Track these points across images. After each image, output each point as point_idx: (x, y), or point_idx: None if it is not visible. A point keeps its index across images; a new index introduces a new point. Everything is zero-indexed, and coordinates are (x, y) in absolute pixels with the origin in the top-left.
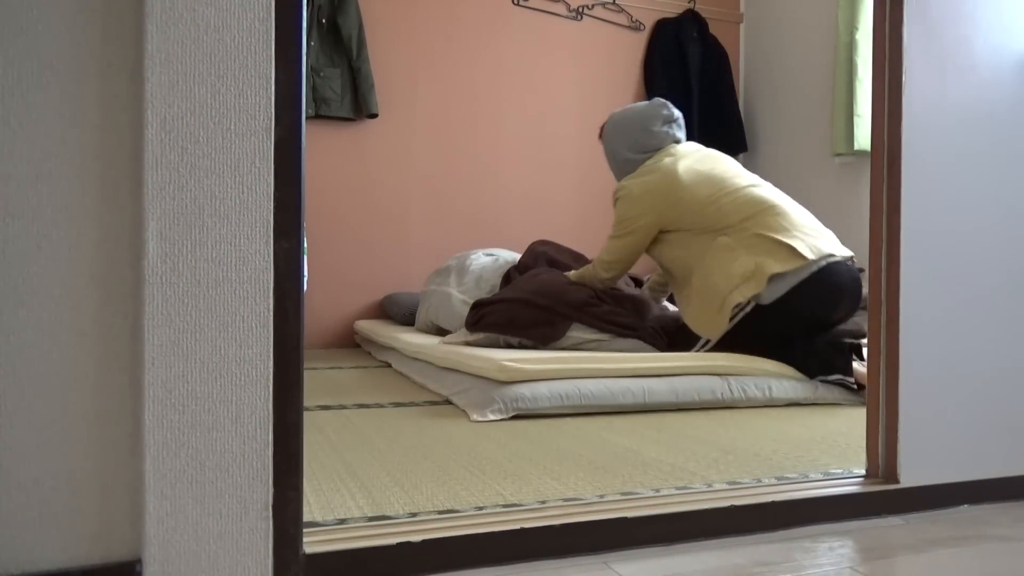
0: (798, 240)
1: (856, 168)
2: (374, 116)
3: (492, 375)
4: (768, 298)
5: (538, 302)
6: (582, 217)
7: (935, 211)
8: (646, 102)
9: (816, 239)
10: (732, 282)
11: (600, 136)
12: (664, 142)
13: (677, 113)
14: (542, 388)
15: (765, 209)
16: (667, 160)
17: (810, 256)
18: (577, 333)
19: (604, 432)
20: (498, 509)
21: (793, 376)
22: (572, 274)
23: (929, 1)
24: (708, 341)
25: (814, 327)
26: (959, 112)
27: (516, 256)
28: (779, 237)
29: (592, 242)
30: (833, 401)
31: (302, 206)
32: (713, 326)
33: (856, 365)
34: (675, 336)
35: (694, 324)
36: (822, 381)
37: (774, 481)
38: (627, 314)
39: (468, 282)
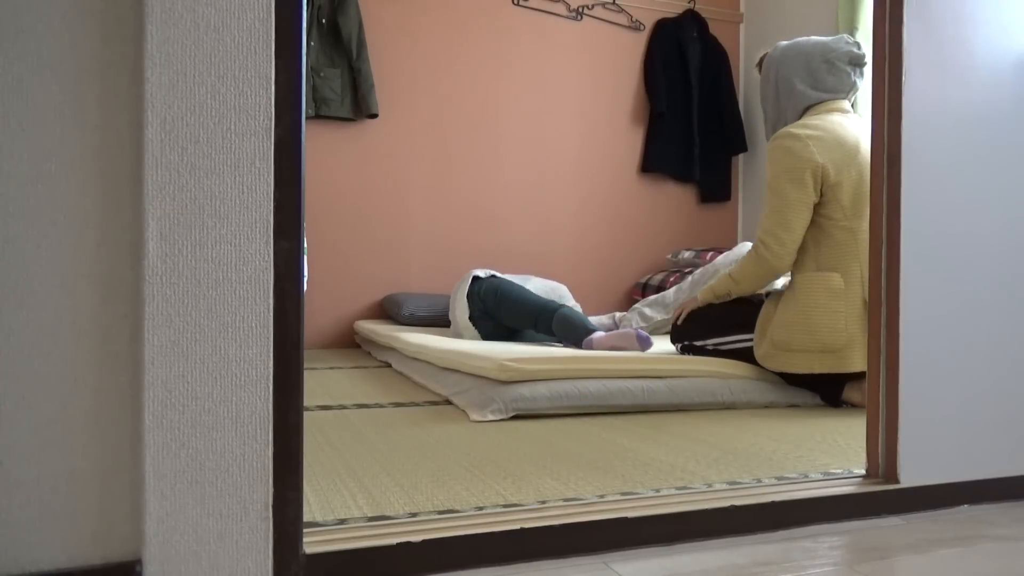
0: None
1: None
2: (374, 116)
3: (492, 375)
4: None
5: None
6: (582, 216)
7: (935, 211)
8: (830, 37)
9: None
10: (821, 341)
11: (759, 65)
12: (845, 87)
13: (866, 57)
14: (541, 388)
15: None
16: (845, 121)
17: (860, 368)
18: None
19: (604, 432)
20: (498, 509)
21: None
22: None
23: (929, 1)
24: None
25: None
26: (959, 112)
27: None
28: (863, 323)
29: (591, 242)
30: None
31: (302, 206)
32: (768, 357)
33: (849, 392)
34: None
35: (760, 331)
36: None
37: (774, 481)
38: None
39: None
